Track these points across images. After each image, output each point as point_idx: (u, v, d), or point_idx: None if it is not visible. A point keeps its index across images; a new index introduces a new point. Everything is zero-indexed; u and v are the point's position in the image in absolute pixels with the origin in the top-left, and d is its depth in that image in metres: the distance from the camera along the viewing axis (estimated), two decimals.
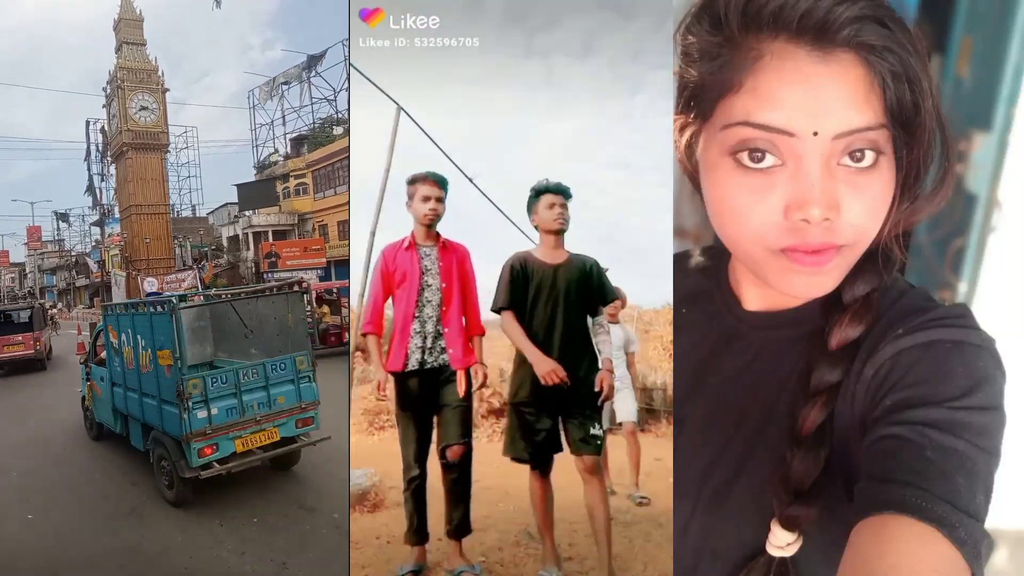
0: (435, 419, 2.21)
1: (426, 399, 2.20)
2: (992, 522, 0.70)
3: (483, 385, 2.25)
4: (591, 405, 2.11)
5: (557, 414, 2.14)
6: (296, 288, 6.34)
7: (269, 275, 23.04)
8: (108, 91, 21.99)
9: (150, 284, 19.58)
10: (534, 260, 2.20)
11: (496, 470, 2.40)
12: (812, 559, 0.87)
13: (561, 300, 2.14)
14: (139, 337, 4.95)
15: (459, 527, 2.16)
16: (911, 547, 0.66)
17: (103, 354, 5.87)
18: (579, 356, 2.14)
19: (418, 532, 2.13)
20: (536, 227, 2.17)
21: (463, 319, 2.23)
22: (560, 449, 2.12)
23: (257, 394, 4.66)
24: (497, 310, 2.17)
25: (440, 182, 2.14)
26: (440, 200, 2.17)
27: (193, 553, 4.12)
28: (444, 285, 2.22)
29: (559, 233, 2.17)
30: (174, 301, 4.71)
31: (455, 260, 2.23)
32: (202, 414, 4.41)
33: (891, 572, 0.65)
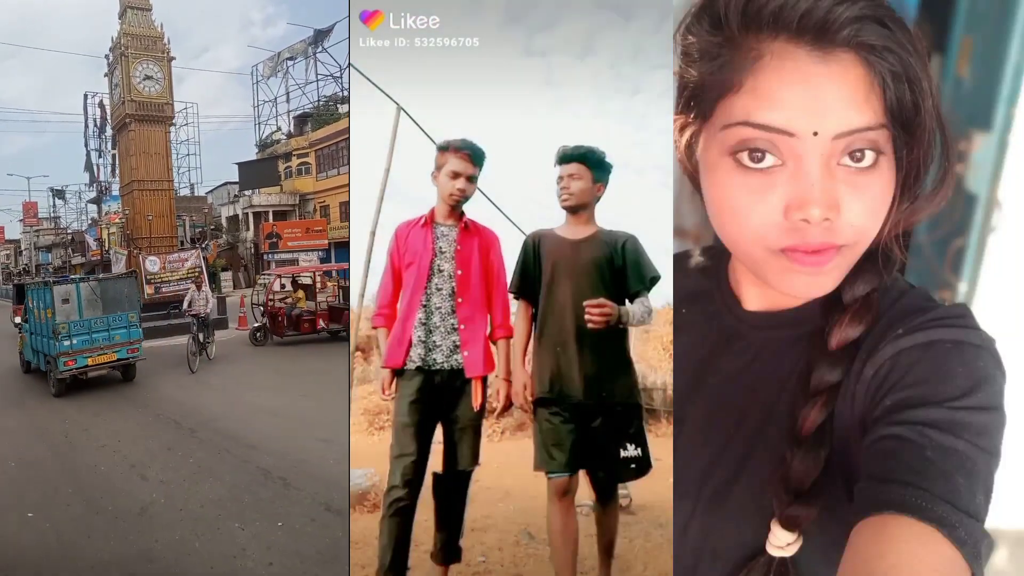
0: (441, 433, 1.90)
1: (430, 408, 1.84)
2: (992, 522, 0.70)
3: (505, 409, 1.89)
4: (625, 418, 1.80)
5: (587, 421, 1.81)
6: (128, 275, 11.23)
7: (270, 256, 22.58)
8: (110, 59, 20.55)
9: (152, 263, 18.29)
10: (551, 236, 1.88)
11: (496, 470, 2.40)
12: (812, 559, 0.87)
13: (584, 283, 1.80)
14: (40, 301, 8.59)
15: (447, 551, 1.85)
16: (911, 547, 0.66)
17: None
18: (607, 353, 1.81)
19: (394, 569, 1.75)
20: None
21: (487, 318, 1.89)
22: (587, 465, 1.82)
23: (102, 333, 8.46)
24: (516, 295, 1.89)
25: (475, 156, 1.83)
26: (472, 180, 1.85)
27: (214, 564, 3.79)
28: (460, 272, 1.85)
29: (570, 211, 1.85)
30: (50, 281, 8.93)
31: (478, 246, 1.88)
32: (66, 343, 8.10)
33: (891, 572, 0.65)
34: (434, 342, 1.84)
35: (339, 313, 12.50)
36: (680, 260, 1.13)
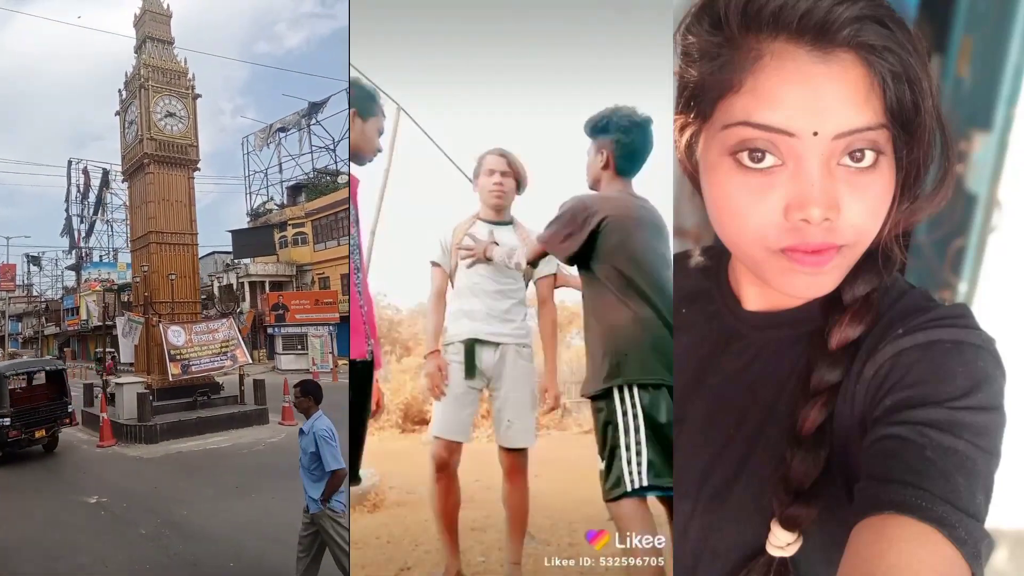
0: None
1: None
2: (992, 522, 0.70)
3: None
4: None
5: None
6: None
7: (275, 329, 20.21)
8: (124, 95, 18.55)
9: (175, 334, 14.14)
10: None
11: (497, 470, 2.40)
12: (812, 559, 0.87)
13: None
14: None
15: None
16: (911, 547, 0.66)
17: None
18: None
19: None
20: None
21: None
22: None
23: None
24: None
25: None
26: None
27: None
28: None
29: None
30: None
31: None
32: None
33: (891, 572, 0.65)
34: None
35: None
36: (680, 260, 1.13)
